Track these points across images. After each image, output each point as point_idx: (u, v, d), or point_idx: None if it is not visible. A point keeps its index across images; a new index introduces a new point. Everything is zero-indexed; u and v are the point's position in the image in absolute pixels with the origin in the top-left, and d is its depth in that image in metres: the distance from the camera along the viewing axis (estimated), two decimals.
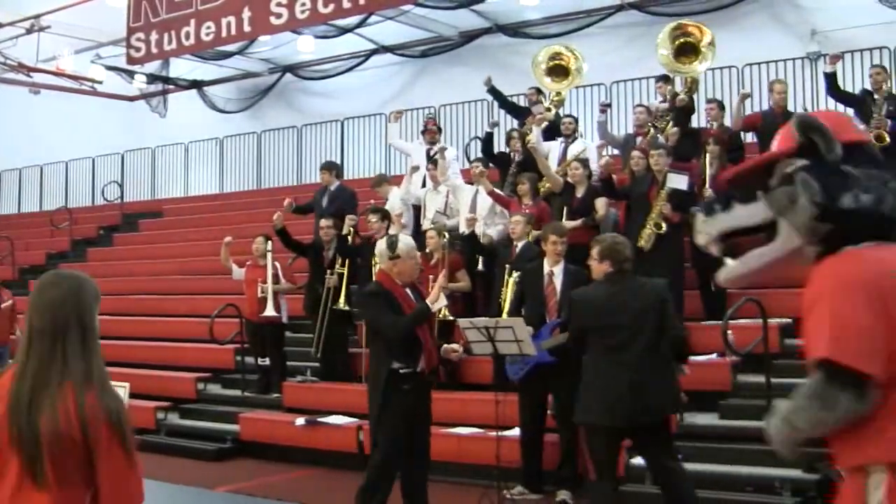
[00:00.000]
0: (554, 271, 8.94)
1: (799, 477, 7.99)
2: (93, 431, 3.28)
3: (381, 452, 7.32)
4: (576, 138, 12.64)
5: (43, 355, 3.37)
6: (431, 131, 13.99)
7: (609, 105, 13.61)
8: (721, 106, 12.38)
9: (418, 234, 11.85)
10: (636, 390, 6.72)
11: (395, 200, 13.07)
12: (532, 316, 8.78)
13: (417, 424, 7.35)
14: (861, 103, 11.33)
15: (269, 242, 12.47)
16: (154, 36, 17.75)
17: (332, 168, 14.31)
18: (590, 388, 7.00)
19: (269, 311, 12.15)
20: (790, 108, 12.06)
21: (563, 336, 8.36)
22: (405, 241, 7.67)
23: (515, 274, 9.62)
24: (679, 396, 7.23)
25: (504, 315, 9.87)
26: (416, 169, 13.52)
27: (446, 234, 11.38)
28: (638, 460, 8.56)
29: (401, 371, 7.28)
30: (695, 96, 12.45)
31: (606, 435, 6.94)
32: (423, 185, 13.23)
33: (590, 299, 7.20)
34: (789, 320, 10.19)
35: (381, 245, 7.59)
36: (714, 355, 9.92)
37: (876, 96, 11.11)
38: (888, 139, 10.82)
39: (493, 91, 13.93)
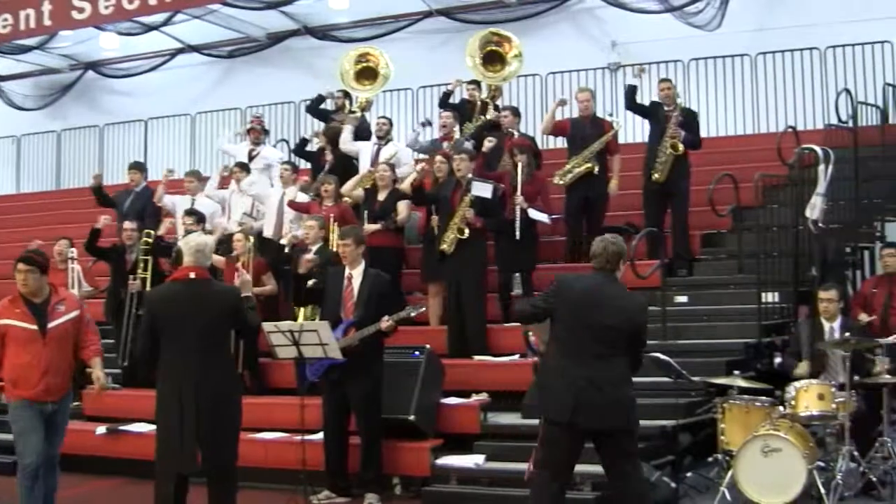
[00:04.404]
0: (353, 274, 8.97)
1: (600, 472, 8.21)
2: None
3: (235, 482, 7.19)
4: (389, 140, 12.70)
5: None
6: (256, 131, 13.86)
7: (430, 123, 13.70)
8: (516, 113, 12.62)
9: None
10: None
11: (183, 206, 12.82)
12: (330, 316, 8.82)
13: None
14: (654, 114, 11.78)
15: (73, 249, 12.12)
16: None
17: (140, 168, 14.02)
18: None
19: None
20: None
21: (357, 335, 8.54)
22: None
23: (310, 281, 9.58)
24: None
25: (300, 319, 9.95)
26: (227, 167, 13.49)
27: (252, 238, 11.30)
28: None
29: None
30: (498, 103, 12.76)
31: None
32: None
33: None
34: None
35: (209, 239, 7.34)
36: (516, 356, 10.15)
37: (667, 108, 11.55)
38: (682, 148, 11.29)
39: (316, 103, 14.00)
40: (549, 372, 6.84)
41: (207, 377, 6.90)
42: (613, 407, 6.57)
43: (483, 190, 10.41)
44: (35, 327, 7.36)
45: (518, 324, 9.76)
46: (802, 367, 8.95)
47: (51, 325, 7.40)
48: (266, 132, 14.39)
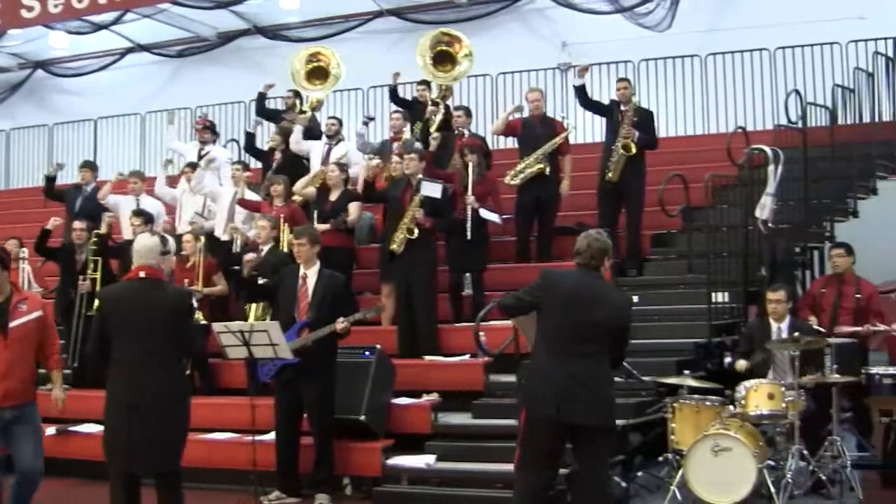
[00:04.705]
0: (308, 274, 8.92)
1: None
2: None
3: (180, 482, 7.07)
4: (340, 140, 12.68)
5: None
6: (200, 131, 13.79)
7: (373, 119, 13.72)
8: (468, 113, 12.64)
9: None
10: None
11: (127, 206, 12.70)
12: (284, 316, 8.78)
13: None
14: (610, 112, 11.79)
15: (24, 249, 11.98)
16: None
17: (92, 167, 13.87)
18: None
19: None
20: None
21: (311, 337, 8.52)
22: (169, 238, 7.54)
23: (262, 280, 9.53)
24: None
25: (251, 318, 9.93)
26: (169, 162, 13.55)
27: (202, 238, 11.22)
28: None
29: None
30: (449, 103, 12.76)
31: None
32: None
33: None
34: None
35: (152, 240, 7.25)
36: (467, 356, 10.14)
37: (623, 108, 11.57)
38: (634, 149, 11.32)
39: (260, 104, 13.95)
40: (534, 370, 6.76)
41: (157, 377, 6.78)
42: (597, 403, 6.51)
43: (432, 190, 10.40)
44: None
45: (472, 323, 9.79)
46: (741, 363, 9.02)
47: (12, 324, 7.08)
48: (216, 133, 14.27)
